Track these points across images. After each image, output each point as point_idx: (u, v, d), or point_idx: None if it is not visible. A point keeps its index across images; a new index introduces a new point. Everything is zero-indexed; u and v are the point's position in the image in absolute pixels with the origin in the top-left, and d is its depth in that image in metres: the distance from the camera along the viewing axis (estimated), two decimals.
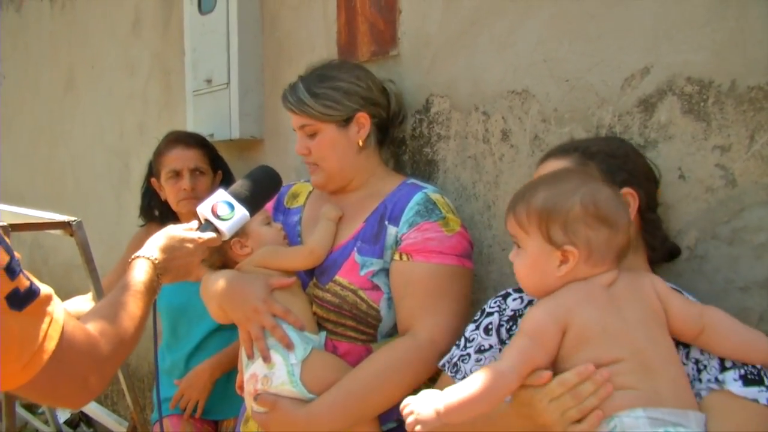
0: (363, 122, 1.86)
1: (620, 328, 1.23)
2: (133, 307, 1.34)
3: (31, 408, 4.39)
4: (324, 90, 1.82)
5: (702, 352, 1.29)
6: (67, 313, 1.16)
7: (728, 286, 1.47)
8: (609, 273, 1.28)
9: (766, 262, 1.43)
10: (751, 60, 1.43)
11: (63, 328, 1.13)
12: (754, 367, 1.25)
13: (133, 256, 1.46)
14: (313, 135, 1.84)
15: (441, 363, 1.58)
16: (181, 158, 2.48)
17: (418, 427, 1.23)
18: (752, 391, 1.22)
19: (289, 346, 1.67)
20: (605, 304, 1.25)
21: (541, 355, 1.23)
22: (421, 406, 1.25)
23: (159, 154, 2.54)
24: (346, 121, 1.84)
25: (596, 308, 1.24)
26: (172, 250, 1.51)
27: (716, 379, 1.25)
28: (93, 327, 1.22)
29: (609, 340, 1.22)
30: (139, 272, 1.41)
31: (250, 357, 1.72)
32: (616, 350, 1.21)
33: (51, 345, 1.10)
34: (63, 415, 4.24)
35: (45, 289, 1.11)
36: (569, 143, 1.54)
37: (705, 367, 1.28)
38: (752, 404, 1.21)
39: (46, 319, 1.10)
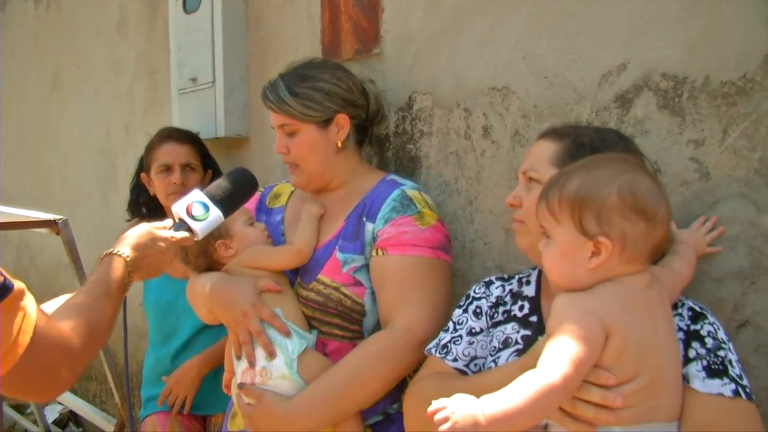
0: (342, 123, 1.86)
1: (652, 341, 1.17)
2: (104, 304, 1.34)
3: (19, 408, 4.39)
4: (305, 90, 1.82)
5: None
6: (39, 308, 1.17)
7: (702, 276, 1.50)
8: (646, 274, 1.22)
9: (738, 253, 1.46)
10: (723, 56, 1.46)
11: (36, 322, 1.14)
12: (716, 355, 1.23)
13: (104, 252, 1.46)
14: (292, 134, 1.85)
15: (427, 348, 1.57)
16: (173, 153, 2.50)
17: None
18: (716, 385, 1.20)
19: (272, 354, 1.68)
20: (644, 313, 1.19)
21: (590, 364, 1.13)
22: (460, 411, 1.06)
23: (151, 148, 2.56)
24: (325, 122, 1.84)
25: (637, 317, 1.18)
26: (144, 248, 1.50)
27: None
28: (64, 322, 1.23)
29: (641, 353, 1.16)
30: (111, 269, 1.41)
31: (240, 358, 1.74)
32: (639, 366, 1.16)
33: (25, 339, 1.11)
34: (51, 415, 4.25)
35: (18, 284, 1.12)
36: (564, 127, 1.50)
37: None
38: (717, 399, 1.19)
39: (20, 314, 1.11)
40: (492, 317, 1.52)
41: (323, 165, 1.86)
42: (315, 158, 1.85)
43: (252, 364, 1.69)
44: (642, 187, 1.19)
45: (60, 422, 4.30)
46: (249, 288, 1.73)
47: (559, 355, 1.10)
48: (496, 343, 1.47)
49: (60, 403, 4.21)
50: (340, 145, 1.87)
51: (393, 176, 1.92)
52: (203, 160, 2.60)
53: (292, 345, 1.69)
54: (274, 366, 1.68)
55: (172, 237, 1.56)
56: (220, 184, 1.71)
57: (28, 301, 1.14)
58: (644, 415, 1.16)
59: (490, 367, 1.43)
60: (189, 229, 1.61)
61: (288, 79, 1.85)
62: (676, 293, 1.33)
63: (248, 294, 1.72)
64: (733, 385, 1.20)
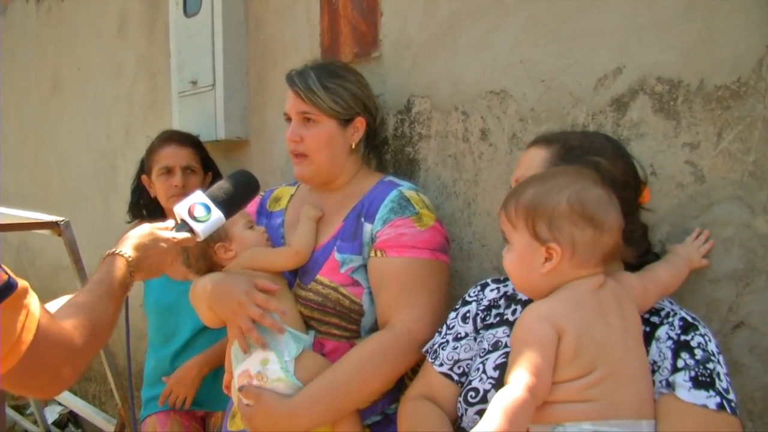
0: (359, 126, 1.91)
1: (605, 337, 1.22)
2: (106, 303, 1.35)
3: (19, 409, 4.39)
4: (334, 86, 1.86)
5: (659, 353, 1.29)
6: (42, 306, 1.18)
7: (698, 278, 1.51)
8: (596, 277, 1.28)
9: (734, 255, 1.47)
10: (718, 60, 1.47)
11: (39, 320, 1.15)
12: (705, 368, 1.24)
13: (106, 252, 1.46)
14: (310, 125, 1.87)
15: (424, 349, 1.62)
16: (174, 156, 2.52)
17: None
18: (701, 396, 1.21)
19: (264, 345, 1.69)
20: (594, 310, 1.24)
21: (548, 366, 1.19)
22: None
23: (152, 151, 2.58)
24: (346, 121, 1.88)
25: (587, 315, 1.23)
26: (146, 248, 1.50)
27: (667, 382, 1.25)
28: (67, 320, 1.24)
29: (595, 349, 1.21)
30: (113, 268, 1.42)
31: (246, 351, 1.74)
32: (596, 360, 1.20)
33: (28, 337, 1.13)
34: (51, 416, 4.25)
35: (21, 282, 1.13)
36: (554, 134, 1.55)
37: (659, 368, 1.28)
38: (701, 410, 1.21)
39: (23, 312, 1.13)
40: (484, 320, 1.55)
41: (333, 161, 1.89)
42: (328, 153, 1.87)
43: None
44: (590, 196, 1.26)
45: (60, 423, 4.30)
46: (243, 280, 1.75)
47: (520, 368, 1.18)
48: (486, 345, 1.49)
49: (60, 404, 4.21)
50: (353, 146, 1.91)
51: (391, 177, 1.94)
52: (204, 162, 2.61)
53: (288, 348, 1.70)
54: (269, 370, 1.69)
55: (174, 238, 1.57)
56: (222, 185, 1.71)
57: (32, 300, 1.15)
58: (609, 410, 1.19)
59: (478, 368, 1.46)
60: (191, 230, 1.61)
61: (318, 72, 1.88)
62: (650, 297, 1.36)
63: (242, 284, 1.73)
64: (718, 399, 1.21)
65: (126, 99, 3.77)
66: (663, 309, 1.37)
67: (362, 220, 1.82)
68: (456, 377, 1.53)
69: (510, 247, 1.33)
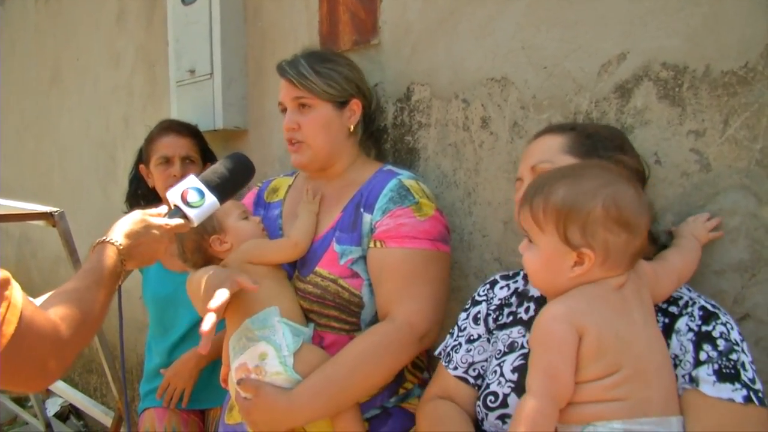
0: (355, 109, 1.89)
1: (630, 332, 1.19)
2: (96, 292, 1.31)
3: (20, 401, 4.39)
4: (326, 70, 1.85)
5: (680, 347, 1.25)
6: (26, 297, 1.15)
7: (704, 269, 1.48)
8: (621, 276, 1.24)
9: (740, 245, 1.44)
10: (724, 45, 1.44)
11: (21, 312, 1.11)
12: (728, 359, 1.20)
13: (97, 241, 1.42)
14: (306, 111, 1.85)
15: (437, 351, 1.60)
16: (173, 145, 2.49)
17: None
18: (726, 390, 1.17)
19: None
20: (618, 307, 1.21)
21: (567, 367, 1.17)
22: None
23: (151, 140, 2.55)
24: (341, 104, 1.87)
25: (610, 312, 1.20)
26: (138, 236, 1.46)
27: (690, 377, 1.22)
28: (53, 311, 1.20)
29: (620, 346, 1.17)
30: (103, 257, 1.37)
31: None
32: (621, 357, 1.17)
33: (9, 329, 1.09)
34: (53, 408, 4.26)
35: (2, 273, 1.10)
36: (564, 123, 1.52)
37: (680, 362, 1.24)
38: (727, 404, 1.17)
39: (4, 304, 1.09)
40: (496, 320, 1.52)
41: (332, 145, 1.87)
42: (326, 137, 1.86)
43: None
44: (626, 199, 1.20)
45: (61, 415, 4.31)
46: (224, 276, 1.68)
47: (538, 372, 1.17)
48: (501, 347, 1.46)
49: (60, 397, 4.22)
50: (351, 129, 1.89)
51: (390, 166, 1.91)
52: (203, 152, 2.59)
53: (287, 341, 1.67)
54: (267, 364, 1.66)
55: (167, 224, 1.53)
56: (216, 169, 1.67)
57: (14, 291, 1.11)
58: (640, 407, 1.16)
59: (495, 371, 1.42)
60: (184, 216, 1.56)
61: (308, 59, 1.88)
62: (663, 286, 1.32)
63: (222, 274, 1.67)
64: (744, 391, 1.18)
65: (125, 89, 3.75)
66: (681, 298, 1.33)
67: (361, 210, 1.79)
68: (472, 380, 1.50)
69: (533, 247, 1.27)
